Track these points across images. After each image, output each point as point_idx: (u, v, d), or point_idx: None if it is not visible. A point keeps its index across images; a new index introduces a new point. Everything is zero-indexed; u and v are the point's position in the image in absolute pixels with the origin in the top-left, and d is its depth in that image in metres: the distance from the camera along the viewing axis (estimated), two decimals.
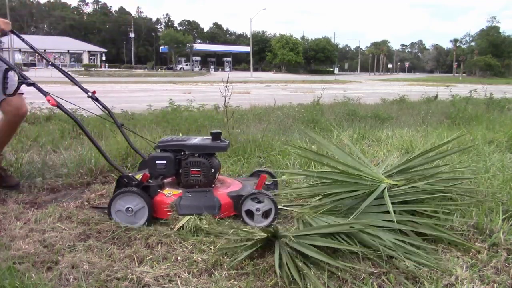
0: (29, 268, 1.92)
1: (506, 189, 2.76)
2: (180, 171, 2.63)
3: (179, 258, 2.05)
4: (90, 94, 2.95)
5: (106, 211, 2.49)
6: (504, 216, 2.35)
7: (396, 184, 2.43)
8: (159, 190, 2.53)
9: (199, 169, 2.59)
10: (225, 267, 1.96)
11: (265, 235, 2.03)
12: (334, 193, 2.48)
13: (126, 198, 2.43)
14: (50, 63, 3.17)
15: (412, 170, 2.62)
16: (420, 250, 2.04)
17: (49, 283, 1.78)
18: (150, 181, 2.55)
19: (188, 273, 1.90)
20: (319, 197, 2.62)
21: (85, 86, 3.14)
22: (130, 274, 1.87)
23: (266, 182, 2.86)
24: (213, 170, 2.60)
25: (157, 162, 2.59)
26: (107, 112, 3.05)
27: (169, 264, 1.99)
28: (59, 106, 2.48)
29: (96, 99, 2.99)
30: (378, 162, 3.25)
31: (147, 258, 2.05)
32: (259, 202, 2.45)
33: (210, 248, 2.13)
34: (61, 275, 1.87)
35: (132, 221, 2.41)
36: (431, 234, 2.17)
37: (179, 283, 1.82)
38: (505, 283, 1.82)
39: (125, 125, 3.14)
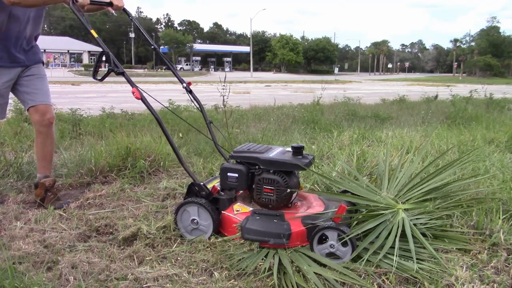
0: (29, 268, 1.92)
1: (506, 189, 2.76)
2: (253, 187, 2.34)
3: (179, 258, 2.05)
4: (185, 85, 2.79)
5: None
6: (504, 216, 2.35)
7: (409, 208, 2.33)
8: (229, 205, 2.32)
9: (272, 188, 2.27)
10: (225, 267, 1.96)
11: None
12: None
13: (193, 209, 2.30)
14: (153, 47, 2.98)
15: (423, 195, 2.48)
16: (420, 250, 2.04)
17: (49, 283, 1.78)
18: (221, 193, 2.37)
19: (188, 273, 1.90)
20: None
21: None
22: (130, 274, 1.87)
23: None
24: (288, 190, 2.26)
25: (228, 174, 2.35)
26: (198, 106, 2.86)
27: (169, 264, 1.99)
28: (143, 100, 2.31)
29: (190, 91, 2.80)
30: (377, 163, 3.25)
31: (147, 258, 2.05)
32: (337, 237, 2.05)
33: (210, 249, 2.14)
34: (61, 275, 1.87)
35: (196, 233, 2.29)
36: (434, 238, 2.16)
37: (179, 283, 1.82)
38: (505, 283, 1.82)
39: (213, 123, 2.91)
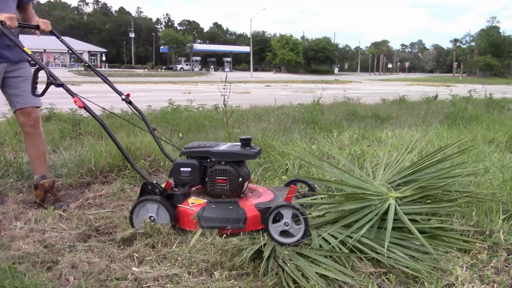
0: (29, 268, 1.92)
1: (506, 189, 2.76)
2: (206, 180, 2.46)
3: (179, 258, 2.05)
4: (123, 97, 2.84)
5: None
6: (504, 216, 2.35)
7: (402, 196, 2.36)
8: (183, 200, 2.40)
9: (225, 178, 2.40)
10: (225, 267, 1.96)
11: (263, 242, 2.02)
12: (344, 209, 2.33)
13: (149, 207, 2.34)
14: (87, 64, 3.11)
15: (418, 183, 2.52)
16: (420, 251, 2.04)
17: (49, 283, 1.78)
18: (175, 189, 2.43)
19: (188, 273, 1.90)
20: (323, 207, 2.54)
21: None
22: (130, 274, 1.87)
23: (300, 192, 2.63)
24: (240, 179, 2.40)
25: (181, 169, 2.45)
26: (139, 115, 2.92)
27: (169, 264, 1.99)
28: (85, 108, 2.37)
29: (130, 102, 2.87)
30: (377, 163, 3.25)
31: (147, 258, 2.05)
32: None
33: (210, 249, 2.13)
34: (61, 275, 1.87)
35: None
36: (434, 238, 2.16)
37: (179, 283, 1.82)
38: (505, 283, 1.82)
39: (156, 129, 2.97)
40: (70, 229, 2.39)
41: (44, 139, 2.99)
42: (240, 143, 2.48)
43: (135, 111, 2.91)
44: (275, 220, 2.18)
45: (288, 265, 1.90)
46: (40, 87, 2.50)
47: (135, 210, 2.36)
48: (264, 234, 2.20)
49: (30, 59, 2.68)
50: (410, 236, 2.13)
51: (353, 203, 2.24)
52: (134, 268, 1.93)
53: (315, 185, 2.82)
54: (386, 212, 2.16)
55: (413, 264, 1.91)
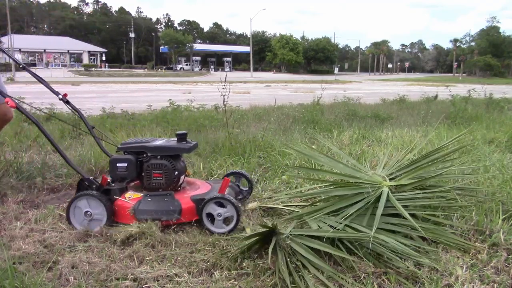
0: (29, 268, 1.92)
1: (506, 189, 2.76)
2: (143, 174, 2.52)
3: (179, 258, 2.05)
4: (61, 96, 2.87)
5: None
6: (504, 216, 2.35)
7: (397, 185, 2.41)
8: (120, 194, 2.45)
9: (160, 172, 2.47)
10: (225, 267, 1.96)
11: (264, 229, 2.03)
12: (336, 196, 2.44)
13: (85, 202, 2.38)
14: (21, 66, 3.12)
15: (414, 171, 2.59)
16: (420, 251, 2.04)
17: (49, 283, 1.78)
18: (112, 184, 2.48)
19: (188, 273, 1.90)
20: (320, 198, 2.61)
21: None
22: (130, 274, 1.87)
23: (242, 187, 2.82)
24: (176, 172, 2.48)
25: (117, 164, 2.49)
26: (77, 114, 2.95)
27: (169, 264, 1.99)
28: (18, 107, 2.42)
29: (67, 102, 2.90)
30: (377, 163, 3.25)
31: (147, 258, 2.05)
32: (222, 206, 2.34)
33: (210, 249, 2.14)
34: (61, 275, 1.87)
35: (91, 225, 2.35)
36: (434, 239, 2.16)
37: (179, 283, 1.82)
38: (505, 283, 1.82)
39: (96, 127, 3.04)
40: (70, 229, 2.39)
41: None
42: (176, 138, 2.55)
43: (74, 111, 2.91)
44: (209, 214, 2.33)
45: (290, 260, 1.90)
46: None
47: (71, 206, 2.39)
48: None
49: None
50: (409, 227, 2.14)
51: (345, 190, 2.28)
52: (134, 268, 1.93)
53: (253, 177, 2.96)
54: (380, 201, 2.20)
55: (403, 249, 1.93)
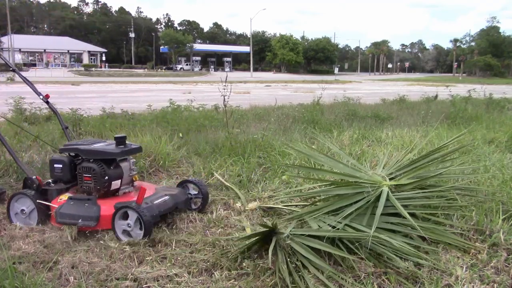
0: (29, 268, 1.92)
1: (506, 189, 2.76)
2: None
3: (179, 258, 2.05)
4: (42, 97, 2.96)
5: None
6: (504, 216, 2.35)
7: (397, 185, 2.41)
8: (57, 195, 2.46)
9: (90, 176, 2.41)
10: (225, 267, 1.95)
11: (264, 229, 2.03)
12: (336, 195, 2.44)
13: (21, 200, 2.43)
14: (11, 68, 3.18)
15: (414, 171, 2.59)
16: (420, 251, 2.04)
17: (49, 283, 1.78)
18: (52, 184, 2.50)
19: (188, 273, 1.90)
20: (320, 198, 2.61)
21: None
22: (130, 274, 1.87)
23: (192, 193, 2.70)
24: (106, 177, 2.40)
25: (54, 165, 2.51)
26: (54, 113, 3.06)
27: (169, 264, 1.99)
28: None
29: (47, 102, 3.00)
30: (377, 163, 3.25)
31: (147, 258, 2.05)
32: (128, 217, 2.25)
33: (210, 249, 2.13)
34: (61, 275, 1.87)
35: (27, 222, 2.41)
36: (433, 238, 2.16)
37: (179, 283, 1.82)
38: (505, 283, 1.82)
39: (69, 128, 3.16)
40: (70, 229, 2.39)
41: None
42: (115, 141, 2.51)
43: (52, 111, 3.03)
44: (125, 219, 2.24)
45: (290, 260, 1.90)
46: None
47: (10, 204, 2.44)
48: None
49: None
50: (409, 227, 2.14)
51: (345, 189, 2.27)
52: (134, 268, 1.93)
53: (207, 188, 2.82)
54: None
55: (403, 247, 1.93)
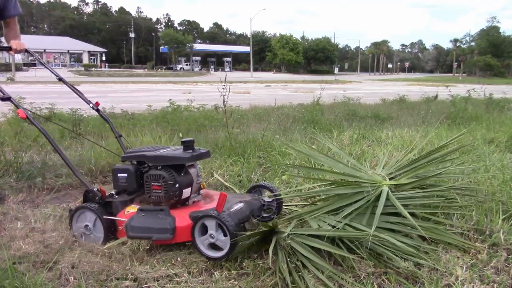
0: (29, 268, 1.92)
1: (506, 189, 2.76)
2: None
3: (179, 258, 2.05)
4: (92, 105, 2.81)
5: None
6: (504, 216, 2.35)
7: (397, 184, 2.42)
8: (122, 207, 2.27)
9: (159, 184, 2.21)
10: (225, 267, 1.96)
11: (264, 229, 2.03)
12: (336, 195, 2.44)
13: (85, 215, 2.25)
14: (58, 78, 3.07)
15: (414, 171, 2.60)
16: (420, 251, 2.05)
17: (49, 283, 1.78)
18: (115, 196, 2.33)
19: (188, 273, 1.90)
20: (319, 198, 2.61)
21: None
22: (130, 274, 1.87)
23: (266, 199, 2.49)
24: (177, 185, 2.20)
25: (118, 175, 2.31)
26: (107, 122, 2.85)
27: (169, 264, 1.99)
28: (28, 118, 2.32)
29: (97, 110, 2.83)
30: (377, 163, 3.25)
31: (147, 258, 2.05)
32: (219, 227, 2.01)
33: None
34: (61, 275, 1.87)
35: (92, 239, 2.21)
36: (433, 238, 2.17)
37: (179, 283, 1.82)
38: (505, 283, 1.82)
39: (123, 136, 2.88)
40: (70, 229, 2.39)
41: None
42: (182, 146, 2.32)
43: (104, 119, 2.84)
44: (205, 232, 2.01)
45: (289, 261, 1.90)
46: None
47: (74, 218, 2.27)
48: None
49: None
50: (409, 226, 2.14)
51: (345, 189, 2.27)
52: (134, 268, 1.93)
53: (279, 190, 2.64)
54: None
55: (402, 246, 1.93)
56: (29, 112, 2.36)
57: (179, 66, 65.70)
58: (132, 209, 2.24)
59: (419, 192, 2.39)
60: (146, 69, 56.94)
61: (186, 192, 2.27)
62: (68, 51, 59.55)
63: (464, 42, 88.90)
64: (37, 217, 2.55)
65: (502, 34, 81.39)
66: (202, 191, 2.46)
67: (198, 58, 72.34)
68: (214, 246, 1.99)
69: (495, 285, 1.81)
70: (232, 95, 4.47)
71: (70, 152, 3.93)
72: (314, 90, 12.78)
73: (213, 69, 67.58)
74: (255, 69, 65.13)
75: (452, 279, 1.83)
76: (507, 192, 2.69)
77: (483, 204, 2.48)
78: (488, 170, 3.29)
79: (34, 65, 49.22)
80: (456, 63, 76.87)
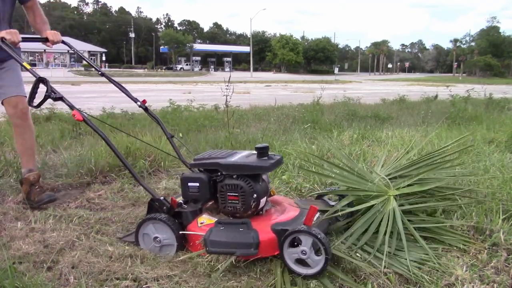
0: (29, 268, 1.92)
1: (506, 189, 2.76)
2: (218, 195, 2.15)
3: (179, 258, 2.04)
4: (139, 103, 2.66)
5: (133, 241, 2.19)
6: (504, 216, 2.34)
7: (399, 187, 2.39)
8: (193, 218, 2.13)
9: (236, 194, 2.06)
10: (225, 267, 1.95)
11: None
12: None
13: (153, 226, 2.12)
14: (100, 72, 2.94)
15: (415, 176, 2.56)
16: (419, 250, 2.05)
17: (49, 283, 1.78)
18: (184, 206, 2.18)
19: (188, 273, 1.90)
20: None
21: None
22: (130, 274, 1.87)
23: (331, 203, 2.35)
24: (255, 195, 2.06)
25: (189, 184, 2.16)
26: (157, 122, 2.70)
27: (169, 264, 1.99)
28: (85, 121, 2.24)
29: (146, 109, 2.70)
30: (376, 163, 3.25)
31: (147, 258, 2.05)
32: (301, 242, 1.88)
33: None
34: (61, 275, 1.87)
35: (160, 252, 2.11)
36: (434, 238, 2.17)
37: (179, 283, 1.82)
38: (505, 283, 1.82)
39: (175, 136, 2.75)
40: (70, 229, 2.39)
41: (34, 132, 2.94)
42: (256, 152, 2.15)
43: (154, 118, 2.70)
44: (293, 245, 1.90)
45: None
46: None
47: (140, 230, 2.15)
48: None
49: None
50: (411, 237, 2.14)
51: (363, 218, 2.21)
52: (134, 268, 1.93)
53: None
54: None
55: (413, 269, 1.92)
56: (85, 114, 2.28)
57: (179, 66, 65.71)
58: (207, 220, 2.11)
59: (419, 191, 2.38)
60: (146, 69, 56.94)
61: (263, 201, 2.15)
62: (68, 51, 59.51)
63: (464, 42, 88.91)
64: (37, 217, 2.55)
65: (502, 34, 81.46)
66: (269, 198, 2.33)
67: (198, 58, 72.38)
68: (300, 261, 1.89)
69: (495, 285, 1.81)
70: (232, 95, 4.47)
71: (70, 152, 3.93)
72: (314, 90, 12.78)
73: (213, 69, 67.61)
74: (255, 69, 65.12)
75: (452, 279, 1.83)
76: (507, 192, 2.69)
77: (483, 204, 2.48)
78: (488, 170, 3.29)
79: (34, 65, 49.20)
80: (456, 63, 76.89)
